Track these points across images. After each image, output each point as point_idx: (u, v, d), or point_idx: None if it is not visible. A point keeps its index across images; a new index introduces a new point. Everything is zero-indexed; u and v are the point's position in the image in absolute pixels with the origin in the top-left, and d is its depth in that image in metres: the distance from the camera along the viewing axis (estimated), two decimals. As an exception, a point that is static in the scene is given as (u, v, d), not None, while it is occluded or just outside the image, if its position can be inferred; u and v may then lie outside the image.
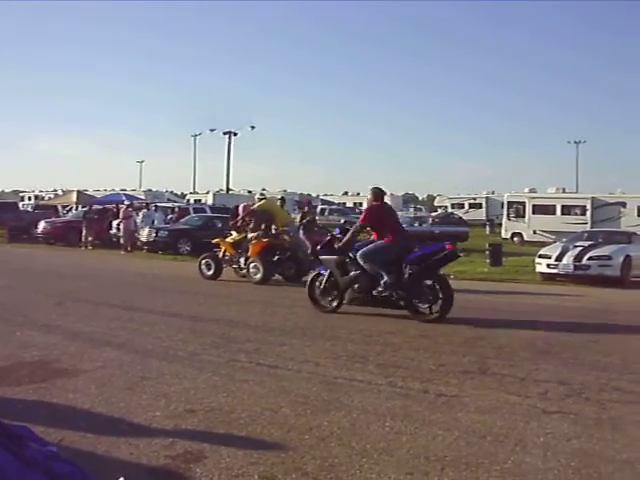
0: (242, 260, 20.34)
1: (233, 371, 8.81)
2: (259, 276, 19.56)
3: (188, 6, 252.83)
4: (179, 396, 7.47)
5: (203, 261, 20.97)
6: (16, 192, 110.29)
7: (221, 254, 20.81)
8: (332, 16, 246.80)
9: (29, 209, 47.75)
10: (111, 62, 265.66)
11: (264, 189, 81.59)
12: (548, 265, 23.12)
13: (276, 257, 20.08)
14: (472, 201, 71.51)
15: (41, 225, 36.40)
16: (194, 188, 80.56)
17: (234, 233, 21.03)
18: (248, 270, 19.95)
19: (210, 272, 20.58)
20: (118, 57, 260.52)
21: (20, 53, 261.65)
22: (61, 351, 9.76)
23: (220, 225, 30.70)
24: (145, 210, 37.01)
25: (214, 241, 21.46)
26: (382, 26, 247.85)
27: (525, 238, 44.09)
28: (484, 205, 69.07)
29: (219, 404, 7.29)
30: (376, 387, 8.18)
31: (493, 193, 69.88)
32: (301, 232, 23.13)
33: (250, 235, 20.17)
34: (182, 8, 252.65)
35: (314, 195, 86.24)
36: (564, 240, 25.30)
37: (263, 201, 21.81)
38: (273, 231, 20.47)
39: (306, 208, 25.99)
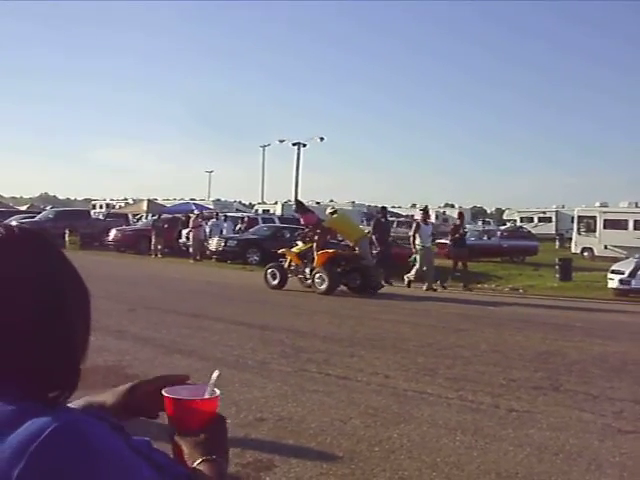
0: (307, 270, 20.19)
1: (302, 381, 8.82)
2: (324, 286, 19.44)
3: (272, 14, 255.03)
4: (249, 404, 7.50)
5: (269, 271, 20.97)
6: (88, 200, 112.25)
7: (287, 264, 20.69)
8: (408, 34, 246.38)
9: (100, 217, 48.38)
10: (183, 70, 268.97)
11: (332, 200, 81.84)
12: (621, 281, 22.64)
13: (341, 268, 19.98)
14: (542, 215, 70.33)
15: (112, 233, 36.92)
16: (262, 198, 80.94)
17: (300, 243, 20.97)
18: (313, 280, 19.84)
19: (275, 282, 20.52)
20: (193, 63, 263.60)
21: (88, 65, 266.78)
22: (133, 357, 9.89)
23: (288, 235, 30.80)
24: (214, 220, 37.29)
25: (280, 251, 21.37)
26: (455, 47, 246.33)
27: (596, 253, 43.22)
28: (554, 219, 67.93)
29: (289, 413, 7.30)
30: (446, 401, 8.11)
31: (563, 207, 68.73)
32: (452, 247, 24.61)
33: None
34: (262, 16, 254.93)
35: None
36: (637, 256, 24.73)
37: (335, 216, 21.57)
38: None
39: (458, 221, 25.76)
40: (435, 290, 22.20)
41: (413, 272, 22.65)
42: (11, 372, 1.15)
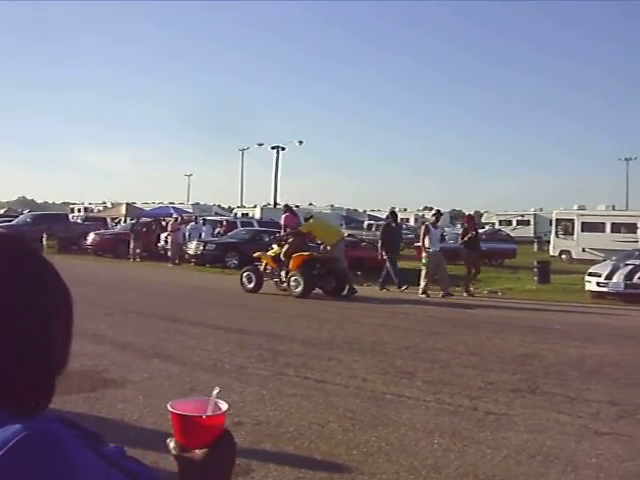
0: (283, 274, 20.24)
1: (280, 385, 8.81)
2: (299, 289, 19.52)
3: (246, 17, 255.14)
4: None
5: (245, 274, 21.12)
6: (66, 204, 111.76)
7: (262, 267, 20.88)
8: (384, 34, 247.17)
9: (79, 221, 48.15)
10: (157, 73, 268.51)
11: (311, 204, 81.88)
12: (598, 283, 22.79)
13: (316, 271, 20.08)
14: (520, 218, 70.65)
15: (90, 237, 36.75)
16: (241, 202, 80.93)
17: (275, 246, 21.00)
18: (289, 283, 19.90)
19: (251, 285, 20.68)
20: (171, 67, 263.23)
21: (63, 70, 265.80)
22: (110, 361, 9.85)
23: (267, 239, 30.79)
24: (193, 223, 37.22)
25: (255, 255, 21.54)
26: (434, 47, 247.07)
27: (574, 256, 43.43)
28: (532, 222, 68.26)
29: (266, 417, 7.29)
30: (424, 404, 8.12)
31: (541, 210, 69.09)
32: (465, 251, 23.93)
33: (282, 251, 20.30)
34: (237, 19, 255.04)
35: (361, 210, 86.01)
36: (614, 258, 24.91)
37: (311, 221, 21.72)
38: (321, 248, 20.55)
39: (465, 224, 25.55)
40: (452, 295, 21.87)
41: (423, 280, 21.89)
42: None
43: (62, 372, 1.23)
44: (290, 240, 20.48)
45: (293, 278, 19.78)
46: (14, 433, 1.04)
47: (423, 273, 21.92)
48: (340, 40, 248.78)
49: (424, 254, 22.23)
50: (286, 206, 21.73)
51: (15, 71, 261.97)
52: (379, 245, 23.34)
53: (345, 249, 29.14)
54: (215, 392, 1.40)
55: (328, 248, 20.69)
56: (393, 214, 25.27)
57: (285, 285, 20.18)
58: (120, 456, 1.28)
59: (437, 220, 23.81)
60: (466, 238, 23.86)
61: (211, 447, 1.34)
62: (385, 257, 22.78)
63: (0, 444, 1.02)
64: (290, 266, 19.88)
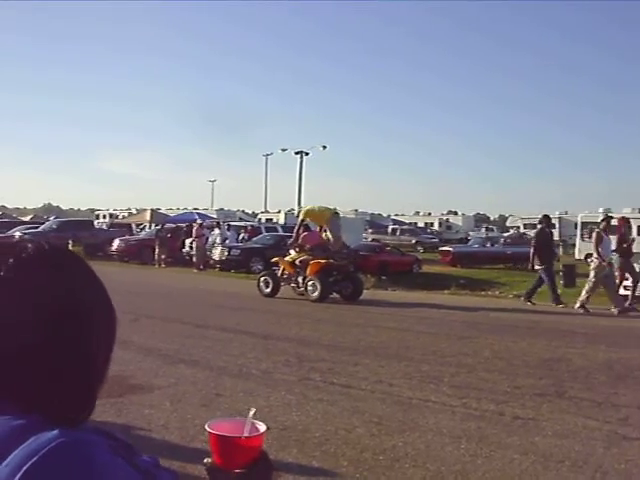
0: (300, 279, 20.48)
1: (306, 390, 8.81)
2: (316, 294, 19.73)
3: (260, 29, 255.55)
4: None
5: (262, 279, 21.41)
6: (91, 210, 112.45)
7: (280, 272, 21.12)
8: (401, 48, 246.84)
9: (104, 227, 48.46)
10: (180, 82, 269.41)
11: (335, 209, 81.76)
12: (625, 287, 22.57)
13: (333, 277, 20.30)
14: (545, 221, 70.22)
15: (115, 243, 36.95)
16: (265, 207, 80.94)
17: (292, 252, 21.18)
18: (306, 288, 20.12)
19: (268, 290, 20.88)
20: (191, 77, 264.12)
21: (87, 76, 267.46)
22: (136, 367, 9.88)
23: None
24: (217, 229, 37.33)
25: (273, 260, 21.86)
26: (451, 60, 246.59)
27: (600, 259, 43.08)
28: (557, 225, 67.87)
29: (293, 422, 7.29)
30: (450, 408, 8.09)
31: (566, 213, 68.50)
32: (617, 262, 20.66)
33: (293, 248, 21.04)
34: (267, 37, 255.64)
35: (385, 215, 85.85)
36: (641, 261, 24.65)
37: (304, 208, 22.70)
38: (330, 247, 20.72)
39: (623, 230, 22.74)
40: (634, 310, 19.42)
41: (586, 293, 19.42)
42: (25, 389, 1.13)
43: (102, 385, 1.23)
44: (302, 234, 21.15)
45: (310, 283, 20.00)
46: (48, 440, 1.04)
47: (589, 285, 19.59)
48: (361, 55, 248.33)
49: (594, 264, 19.73)
50: (306, 226, 21.54)
51: (38, 77, 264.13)
52: (531, 253, 20.59)
53: (370, 254, 29.19)
54: (252, 413, 1.40)
55: (327, 234, 20.91)
56: (547, 218, 22.10)
57: (302, 290, 20.38)
58: (154, 467, 1.29)
59: (608, 226, 20.44)
60: (624, 245, 20.97)
61: (248, 468, 1.34)
62: (539, 267, 20.41)
63: (34, 451, 1.03)
64: (307, 272, 20.14)
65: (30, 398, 1.13)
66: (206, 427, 1.38)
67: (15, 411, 1.10)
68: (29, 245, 1.22)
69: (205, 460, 1.38)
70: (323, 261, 20.11)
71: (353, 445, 6.67)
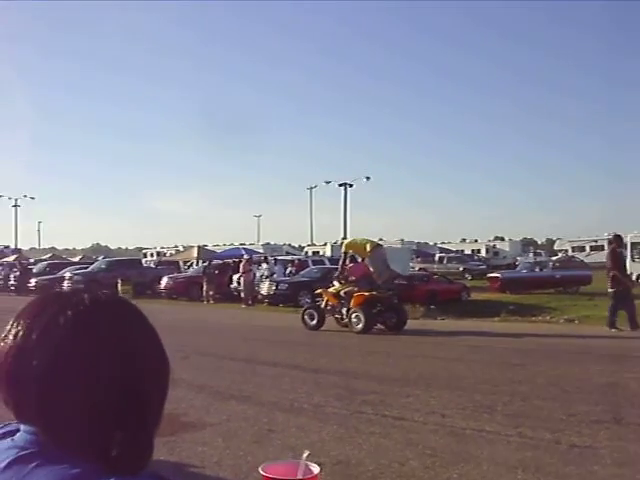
0: (344, 310, 20.52)
1: (358, 423, 8.75)
2: (360, 326, 19.77)
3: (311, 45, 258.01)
4: (306, 449, 7.41)
5: (307, 312, 21.52)
6: (139, 249, 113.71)
7: (323, 304, 21.22)
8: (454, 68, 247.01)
9: (152, 265, 48.96)
10: (225, 113, 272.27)
11: (381, 238, 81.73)
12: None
13: (377, 308, 20.30)
14: (593, 244, 69.39)
15: (164, 281, 37.28)
16: (312, 240, 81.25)
17: (336, 283, 21.28)
18: (350, 320, 20.12)
19: (313, 322, 20.98)
20: (232, 108, 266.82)
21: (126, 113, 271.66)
22: (188, 404, 9.90)
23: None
24: (265, 264, 37.49)
25: (317, 292, 22.19)
26: (494, 75, 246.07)
27: (652, 280, 42.44)
28: (606, 247, 67.02)
29: (346, 457, 7.23)
30: (505, 438, 7.97)
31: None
32: None
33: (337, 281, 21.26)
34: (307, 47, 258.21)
35: (431, 243, 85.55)
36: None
37: (346, 241, 23.45)
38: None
39: None
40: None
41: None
42: (83, 438, 1.15)
43: (158, 428, 1.24)
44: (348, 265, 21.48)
45: (354, 315, 20.04)
46: None
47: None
48: (401, 69, 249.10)
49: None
50: (352, 257, 21.75)
51: (80, 111, 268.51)
52: (617, 275, 19.45)
53: (418, 283, 29.13)
54: (305, 455, 1.40)
55: (368, 265, 21.08)
56: (618, 238, 20.94)
57: (346, 321, 20.41)
58: None
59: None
60: None
61: None
62: (612, 290, 19.52)
63: None
64: (351, 304, 20.18)
65: (89, 447, 1.15)
66: (260, 470, 1.38)
67: (73, 460, 1.12)
68: (85, 296, 1.25)
69: None
70: (367, 293, 20.12)
71: (407, 478, 6.60)
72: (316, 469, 1.40)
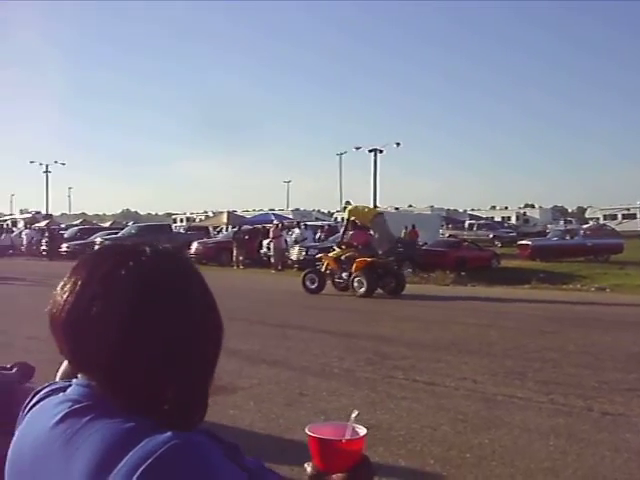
0: (344, 275, 21.26)
1: (390, 388, 8.78)
2: (363, 290, 20.53)
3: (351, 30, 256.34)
4: (338, 413, 7.45)
5: (307, 276, 22.16)
6: (168, 215, 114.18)
7: (324, 268, 21.93)
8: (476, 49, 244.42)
9: (182, 231, 49.08)
10: (258, 82, 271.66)
11: (410, 205, 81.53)
12: None
13: (377, 273, 21.00)
14: (625, 212, 68.63)
15: (194, 246, 37.32)
16: (341, 206, 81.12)
17: (337, 248, 21.99)
18: (352, 284, 20.86)
19: (314, 286, 21.62)
20: (270, 76, 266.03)
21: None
22: (220, 368, 9.75)
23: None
24: (297, 229, 37.49)
25: (318, 256, 23.38)
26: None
27: (684, 249, 41.98)
28: (638, 215, 66.31)
29: (377, 421, 7.25)
30: (537, 404, 7.97)
31: (652, 202, 66.94)
32: None
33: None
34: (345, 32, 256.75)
35: (461, 210, 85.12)
36: None
37: (349, 207, 24.41)
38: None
39: None
40: None
41: None
42: (139, 392, 1.15)
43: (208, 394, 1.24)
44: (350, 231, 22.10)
45: (357, 279, 20.80)
46: (163, 442, 1.05)
47: None
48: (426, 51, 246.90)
49: None
50: (354, 223, 22.00)
51: (110, 85, 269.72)
52: None
53: (448, 250, 29.27)
54: (354, 416, 1.38)
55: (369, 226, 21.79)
56: None
57: (344, 285, 21.25)
58: (260, 468, 1.29)
59: None
60: None
61: (349, 472, 1.33)
62: None
63: (149, 452, 1.04)
64: (353, 268, 20.90)
65: (145, 400, 1.15)
66: (306, 431, 1.37)
67: (127, 414, 1.12)
68: (147, 248, 1.24)
69: (306, 465, 1.37)
70: (369, 259, 20.81)
71: (439, 443, 6.61)
72: (363, 431, 1.38)
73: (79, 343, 1.17)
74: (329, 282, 21.72)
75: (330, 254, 21.95)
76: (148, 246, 1.25)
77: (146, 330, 1.14)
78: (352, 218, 22.39)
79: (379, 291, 20.92)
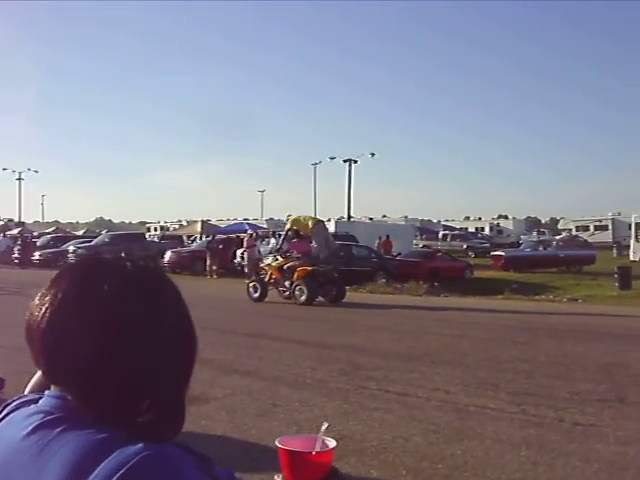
0: (287, 283, 21.83)
1: (362, 399, 8.76)
2: (304, 297, 21.11)
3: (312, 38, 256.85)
4: (310, 423, 7.43)
5: (251, 284, 22.95)
6: (142, 223, 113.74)
7: (267, 278, 22.50)
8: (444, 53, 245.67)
9: (155, 239, 49.01)
10: (232, 93, 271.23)
11: (384, 215, 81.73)
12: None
13: (318, 282, 21.60)
14: (597, 223, 69.19)
15: (167, 255, 37.30)
16: (315, 216, 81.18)
17: (280, 258, 22.55)
18: (293, 292, 21.42)
19: (257, 294, 22.28)
20: (241, 85, 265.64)
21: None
22: (192, 378, 9.89)
23: (343, 253, 30.88)
24: (273, 239, 37.45)
25: (261, 265, 23.72)
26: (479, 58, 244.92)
27: (656, 260, 42.32)
28: (610, 227, 66.85)
29: (350, 432, 7.24)
30: (509, 415, 7.98)
31: (619, 214, 67.60)
32: None
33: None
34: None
35: (435, 221, 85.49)
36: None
37: (291, 217, 24.54)
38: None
39: None
40: None
41: None
42: (111, 404, 1.15)
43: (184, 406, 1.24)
44: (291, 239, 23.02)
45: (298, 287, 21.39)
46: (134, 453, 1.05)
47: None
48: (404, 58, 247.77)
49: None
50: (296, 232, 22.54)
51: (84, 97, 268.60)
52: None
53: (422, 260, 29.53)
54: (323, 428, 1.39)
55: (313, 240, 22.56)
56: None
57: (287, 294, 21.84)
58: (231, 478, 1.29)
59: None
60: None
61: None
62: None
63: (120, 464, 1.04)
64: (295, 277, 21.50)
65: (118, 413, 1.15)
66: (277, 443, 1.37)
67: (100, 425, 1.12)
68: (128, 264, 1.25)
69: (275, 476, 1.37)
70: (309, 267, 21.42)
71: (411, 454, 6.61)
72: (332, 443, 1.38)
73: (56, 355, 1.17)
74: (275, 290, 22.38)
75: (273, 264, 22.47)
76: (129, 261, 1.26)
77: (124, 345, 1.14)
78: (294, 228, 23.02)
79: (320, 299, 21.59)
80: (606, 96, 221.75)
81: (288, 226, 23.58)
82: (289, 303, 21.20)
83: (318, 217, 24.57)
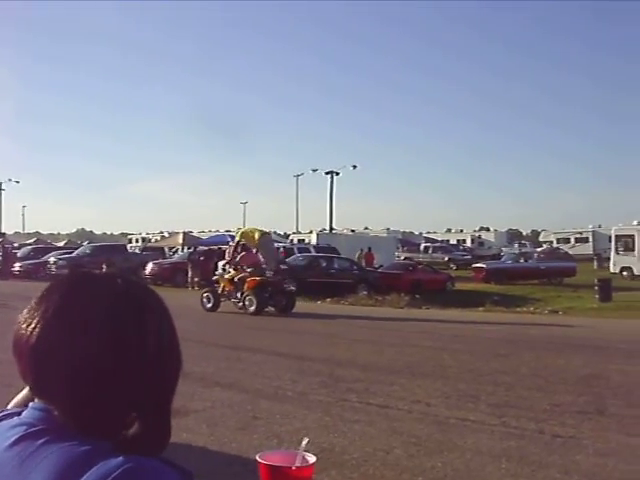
0: (239, 294, 22.41)
1: (343, 411, 8.75)
2: (253, 308, 21.77)
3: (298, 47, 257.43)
4: (290, 436, 7.41)
5: (204, 295, 23.43)
6: (124, 234, 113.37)
7: (220, 289, 23.13)
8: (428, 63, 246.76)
9: (137, 251, 48.92)
10: (215, 101, 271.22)
11: (366, 227, 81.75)
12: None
13: (267, 292, 22.27)
14: (578, 235, 69.50)
15: (149, 266, 37.16)
16: (297, 228, 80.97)
17: (232, 270, 23.03)
18: (244, 303, 22.03)
19: (210, 305, 22.83)
20: (224, 94, 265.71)
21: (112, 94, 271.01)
22: (173, 391, 9.86)
23: (325, 264, 30.90)
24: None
25: (214, 278, 24.34)
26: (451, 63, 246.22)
27: (635, 272, 42.55)
28: (591, 239, 67.23)
29: (330, 445, 7.22)
30: (489, 427, 7.99)
31: (600, 227, 67.93)
32: None
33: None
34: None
35: (417, 233, 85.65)
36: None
37: (241, 230, 25.29)
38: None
39: None
40: None
41: None
42: (97, 418, 1.15)
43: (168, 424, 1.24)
44: (239, 253, 23.11)
45: (247, 298, 22.06)
46: (116, 466, 1.05)
47: None
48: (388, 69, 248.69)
49: None
50: (244, 246, 23.26)
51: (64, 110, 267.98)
52: None
53: (403, 272, 29.67)
54: (304, 443, 1.39)
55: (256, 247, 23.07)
56: None
57: (241, 304, 22.29)
58: None
59: None
60: None
61: None
62: None
63: (102, 476, 1.04)
64: (245, 288, 22.13)
65: (103, 427, 1.15)
66: (257, 458, 1.37)
67: (83, 437, 1.12)
68: (119, 280, 1.25)
69: None
70: (258, 278, 22.03)
71: (392, 466, 6.60)
72: (312, 459, 1.39)
73: (45, 370, 1.17)
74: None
75: (226, 276, 23.04)
76: (120, 277, 1.27)
77: (114, 361, 1.15)
78: (242, 241, 23.40)
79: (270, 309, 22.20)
80: (591, 109, 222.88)
81: (237, 239, 24.00)
82: (239, 312, 21.83)
83: (263, 229, 24.97)
